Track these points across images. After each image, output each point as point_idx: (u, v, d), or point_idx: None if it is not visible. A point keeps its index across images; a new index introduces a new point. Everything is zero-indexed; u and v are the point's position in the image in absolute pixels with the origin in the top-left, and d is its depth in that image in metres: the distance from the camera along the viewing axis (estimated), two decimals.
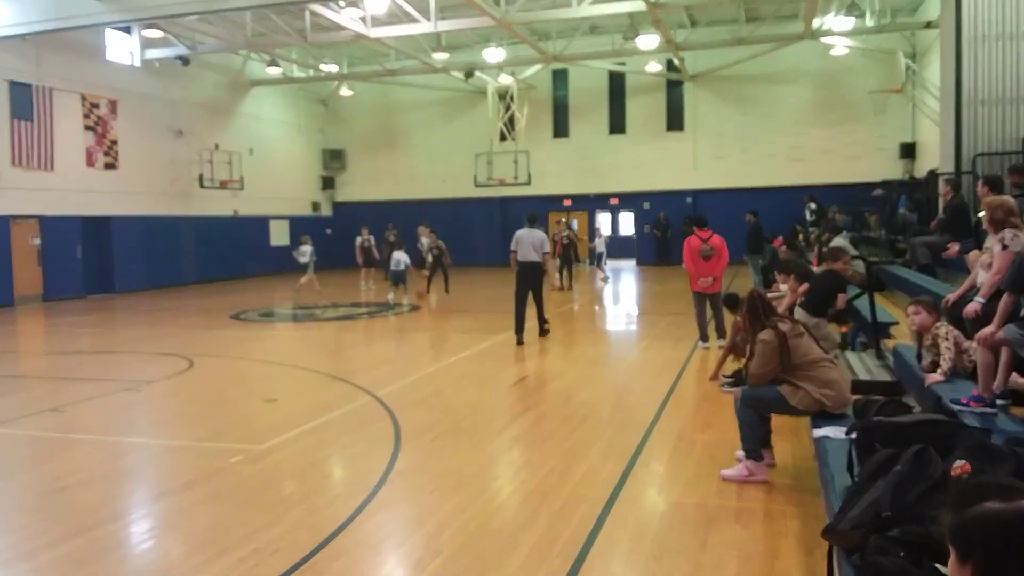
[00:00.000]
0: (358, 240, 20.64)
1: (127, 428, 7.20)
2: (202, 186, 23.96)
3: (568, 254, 20.26)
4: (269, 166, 27.63)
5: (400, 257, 16.99)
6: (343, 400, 7.86)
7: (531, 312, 11.61)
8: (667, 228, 27.75)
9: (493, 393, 8.22)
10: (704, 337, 10.21)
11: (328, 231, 30.76)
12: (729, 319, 9.55)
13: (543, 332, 12.18)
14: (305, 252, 19.74)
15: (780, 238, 16.73)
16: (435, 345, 11.92)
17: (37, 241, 19.79)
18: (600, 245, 22.52)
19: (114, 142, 21.67)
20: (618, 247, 30.86)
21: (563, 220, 28.47)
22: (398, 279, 16.83)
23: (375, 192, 30.80)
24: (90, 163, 20.94)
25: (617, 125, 28.45)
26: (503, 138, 27.86)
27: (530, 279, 11.46)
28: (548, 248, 11.49)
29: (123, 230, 22.14)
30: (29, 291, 19.50)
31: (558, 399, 7.80)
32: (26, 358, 11.38)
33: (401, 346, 11.82)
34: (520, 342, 11.30)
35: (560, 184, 28.73)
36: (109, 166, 21.53)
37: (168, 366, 10.14)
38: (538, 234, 11.50)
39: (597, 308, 15.58)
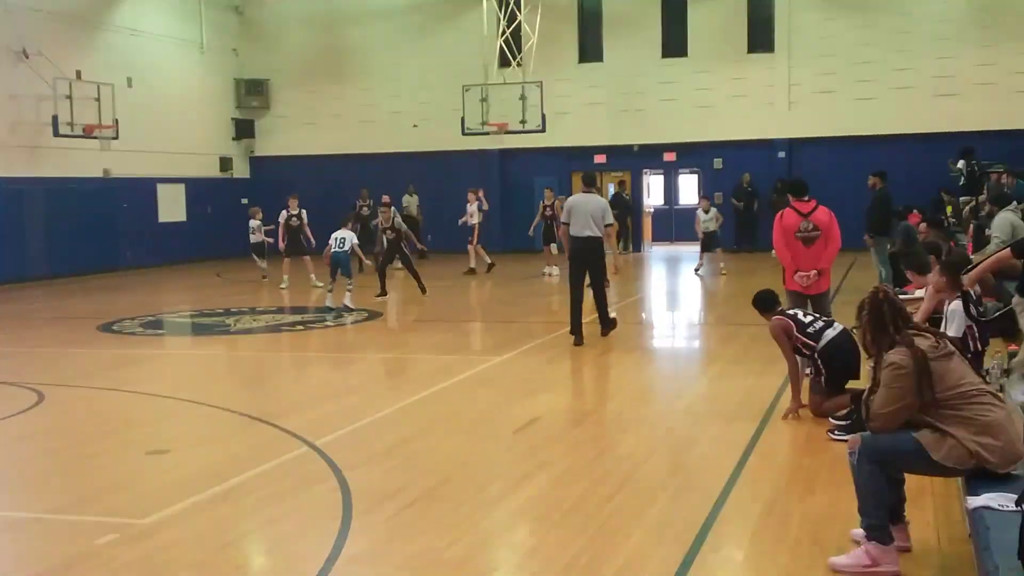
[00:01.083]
0: (283, 216, 20.72)
1: None
2: (57, 134, 24.03)
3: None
4: (156, 105, 27.70)
5: (345, 235, 16.92)
6: (266, 452, 7.85)
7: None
8: (753, 197, 27.73)
9: (489, 443, 8.19)
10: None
11: (243, 200, 30.82)
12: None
13: (607, 329, 12.87)
14: (257, 228, 21.72)
15: (918, 212, 16.71)
16: (402, 371, 11.91)
17: None
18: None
19: None
20: (673, 225, 30.89)
21: (621, 181, 28.61)
22: (338, 267, 16.73)
23: (313, 143, 30.88)
24: None
25: (674, 44, 28.45)
26: (504, 63, 27.86)
27: (587, 259, 12.27)
28: (611, 219, 12.47)
29: None
30: None
31: (586, 452, 7.77)
32: None
33: (352, 373, 11.82)
34: (578, 343, 12.31)
35: (588, 131, 28.77)
36: None
37: (10, 402, 10.13)
38: (596, 201, 12.40)
39: (644, 316, 15.58)
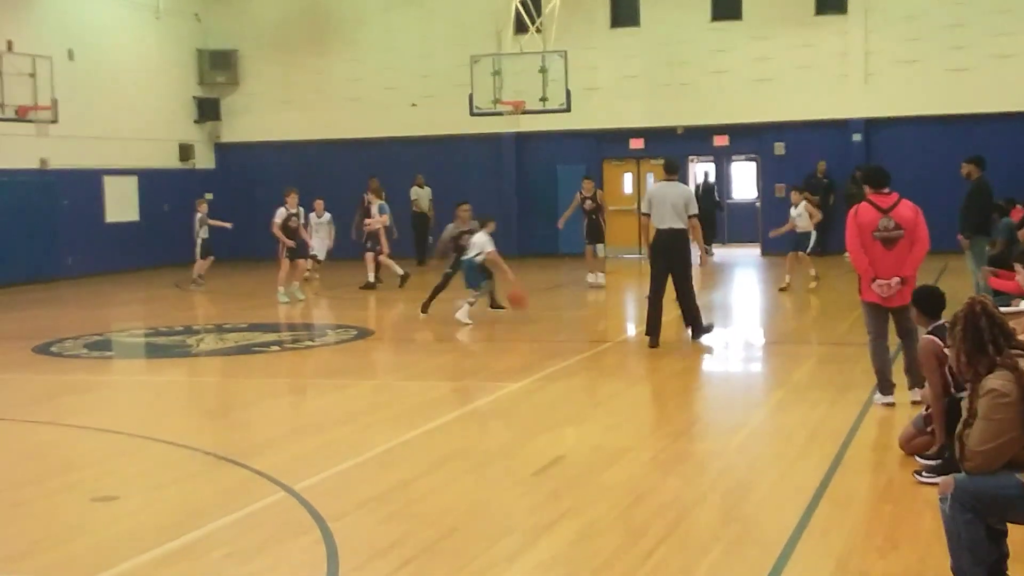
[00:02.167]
0: (280, 215, 20.66)
1: None
2: None
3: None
4: (103, 82, 27.86)
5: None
6: (235, 498, 7.85)
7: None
8: (829, 189, 27.56)
9: (503, 487, 8.19)
10: (886, 386, 10.19)
11: (208, 195, 30.92)
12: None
13: (698, 333, 13.82)
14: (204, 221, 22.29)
15: (1023, 207, 16.64)
16: (399, 400, 11.92)
17: None
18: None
19: None
20: (726, 222, 30.86)
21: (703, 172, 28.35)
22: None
23: (290, 125, 30.98)
24: None
25: (726, 5, 28.48)
26: (521, 29, 27.91)
27: (672, 254, 13.38)
28: (694, 209, 13.46)
29: None
30: None
31: (618, 497, 7.75)
32: None
33: (338, 402, 11.83)
34: (654, 344, 13.42)
35: (622, 111, 28.81)
36: None
37: None
38: (680, 190, 13.53)
39: (690, 333, 15.58)
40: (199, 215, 23.23)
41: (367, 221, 22.41)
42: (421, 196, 27.88)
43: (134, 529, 7.23)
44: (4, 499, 8.22)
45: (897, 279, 9.75)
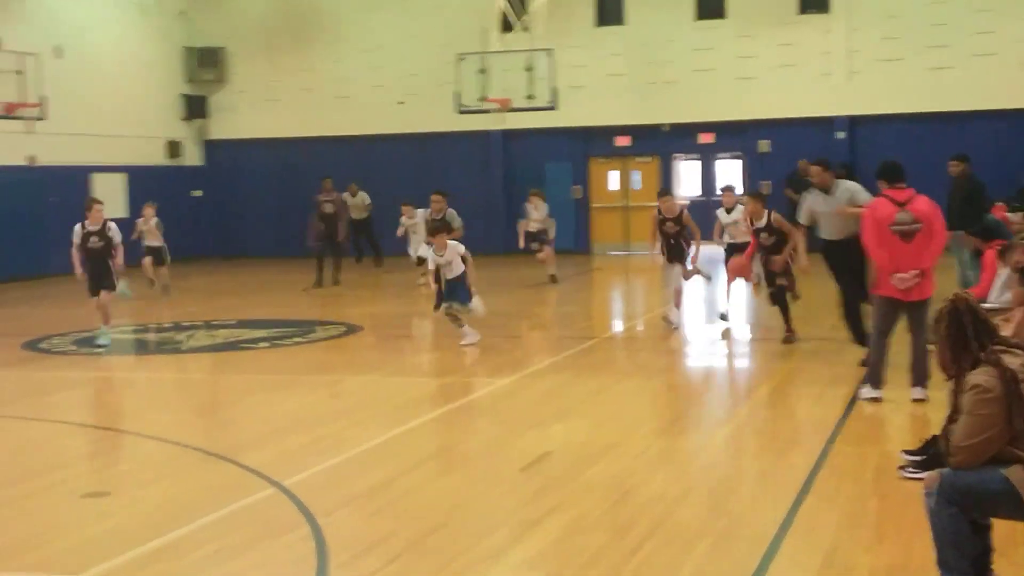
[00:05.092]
0: (76, 233, 15.69)
1: None
2: None
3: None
4: (91, 79, 27.76)
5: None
6: (224, 494, 7.85)
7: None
8: (808, 186, 27.53)
9: (489, 483, 8.20)
10: (878, 381, 10.16)
11: (197, 193, 30.91)
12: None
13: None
14: (154, 226, 21.00)
15: (1004, 204, 16.69)
16: (386, 397, 11.91)
17: None
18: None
19: None
20: (711, 220, 30.78)
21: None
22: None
23: (277, 123, 30.91)
24: None
25: (710, 3, 28.48)
26: (507, 27, 27.90)
27: (849, 263, 11.63)
28: (862, 201, 11.58)
29: None
30: None
31: (605, 493, 7.75)
32: None
33: (326, 399, 11.82)
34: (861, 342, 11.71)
35: (608, 108, 28.78)
36: None
37: None
38: (849, 189, 11.94)
39: (676, 329, 15.59)
40: (155, 220, 21.46)
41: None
42: (355, 203, 26.29)
43: (123, 525, 7.23)
44: None
45: (916, 272, 9.77)
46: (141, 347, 16.14)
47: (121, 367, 14.88)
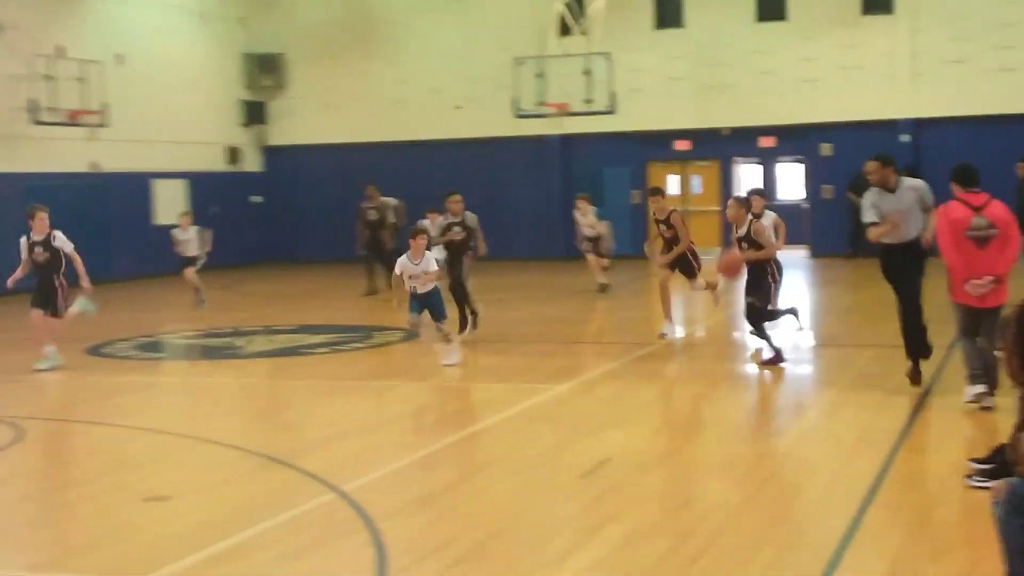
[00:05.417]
0: (23, 246, 14.54)
1: None
2: (36, 121, 24.41)
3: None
4: (151, 86, 28.05)
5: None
6: (284, 498, 7.91)
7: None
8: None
9: (549, 489, 8.19)
10: (979, 377, 9.82)
11: (257, 199, 31.13)
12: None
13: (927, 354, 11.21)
14: (192, 236, 20.55)
15: None
16: (445, 402, 11.93)
17: None
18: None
19: None
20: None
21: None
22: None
23: (334, 129, 31.11)
24: None
25: (771, 5, 28.31)
26: (565, 31, 27.90)
27: (907, 271, 10.84)
28: (931, 201, 10.94)
29: None
30: None
31: (665, 500, 7.74)
32: None
33: (385, 404, 11.87)
34: (915, 381, 10.88)
35: (667, 112, 28.69)
36: None
37: None
38: (915, 187, 11.00)
39: (739, 334, 15.49)
40: (195, 229, 20.97)
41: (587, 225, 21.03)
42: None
43: (185, 529, 7.30)
44: (58, 499, 8.36)
45: (990, 278, 9.62)
46: (201, 352, 16.28)
47: (182, 372, 15.05)
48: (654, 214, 15.13)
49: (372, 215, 22.11)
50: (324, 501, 7.81)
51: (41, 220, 14.19)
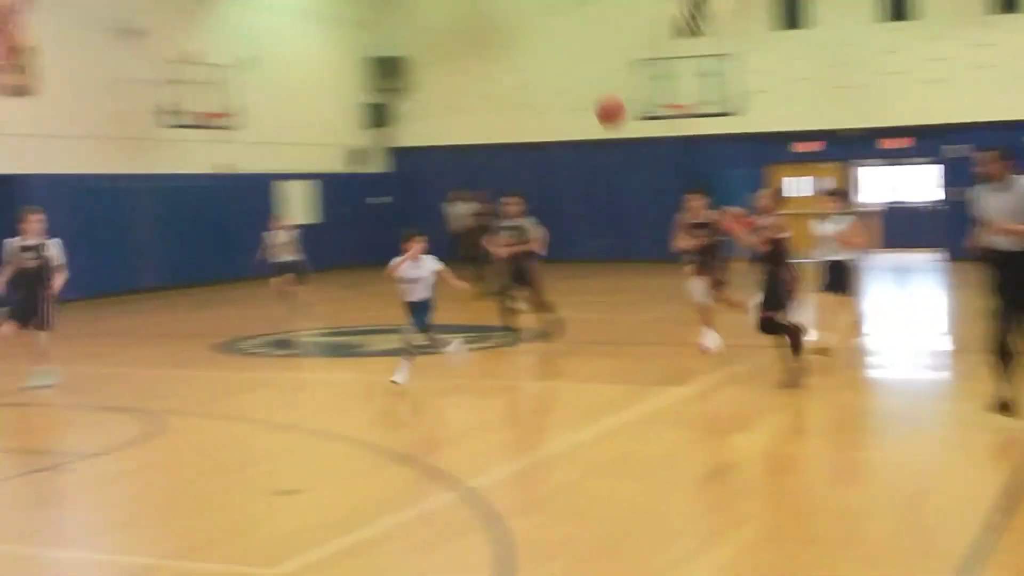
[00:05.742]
0: (11, 247, 13.09)
1: (54, 534, 7.63)
2: (170, 124, 24.98)
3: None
4: (277, 89, 28.55)
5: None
6: (410, 494, 8.05)
7: None
8: None
9: (672, 491, 8.20)
10: None
11: (383, 199, 31.32)
12: None
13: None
14: (285, 239, 19.56)
15: None
16: (565, 402, 11.98)
17: None
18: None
19: (24, 52, 22.88)
20: (903, 227, 30.06)
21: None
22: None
23: (458, 131, 31.33)
24: None
25: (899, 4, 27.79)
26: (687, 32, 27.75)
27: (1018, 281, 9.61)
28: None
29: (45, 198, 23.23)
30: None
31: (791, 506, 7.70)
32: None
33: (507, 403, 11.95)
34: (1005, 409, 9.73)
35: (790, 114, 28.32)
36: (19, 91, 22.82)
37: (119, 430, 10.67)
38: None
39: (869, 337, 15.22)
40: (289, 234, 20.03)
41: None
42: (462, 212, 25.06)
43: (312, 522, 7.44)
44: (192, 490, 8.59)
45: None
46: (328, 349, 16.56)
47: (306, 368, 15.34)
48: (688, 215, 13.78)
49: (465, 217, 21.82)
50: (448, 498, 7.90)
51: (35, 222, 12.85)
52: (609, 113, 12.39)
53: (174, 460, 9.60)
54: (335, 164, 30.88)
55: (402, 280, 12.05)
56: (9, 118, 22.49)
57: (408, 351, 12.11)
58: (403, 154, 32.32)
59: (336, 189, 30.23)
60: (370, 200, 31.25)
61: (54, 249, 12.80)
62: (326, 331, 18.14)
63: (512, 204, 15.36)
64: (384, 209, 31.21)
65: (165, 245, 25.74)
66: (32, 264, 12.62)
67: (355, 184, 31.09)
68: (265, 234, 20.28)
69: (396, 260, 11.98)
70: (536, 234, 15.16)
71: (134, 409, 11.54)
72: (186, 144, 25.82)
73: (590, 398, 11.99)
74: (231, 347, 16.17)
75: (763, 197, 12.14)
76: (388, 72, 31.85)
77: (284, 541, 7.05)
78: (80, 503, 8.37)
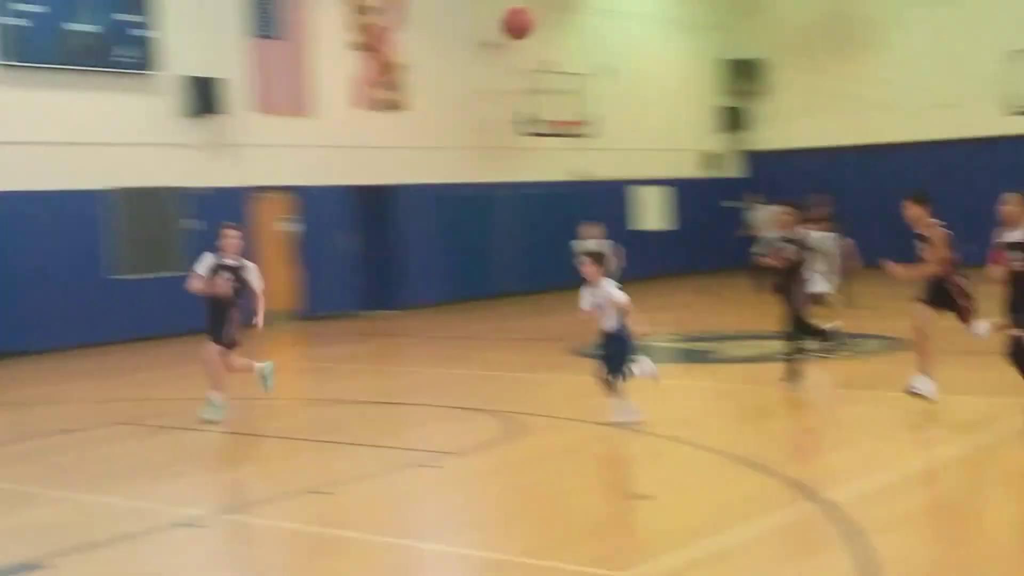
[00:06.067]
0: (207, 262, 12.14)
1: (419, 526, 8.02)
2: (527, 132, 25.72)
3: None
4: (632, 96, 28.90)
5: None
6: (764, 505, 7.92)
7: None
8: None
9: None
10: None
11: (739, 203, 30.98)
12: None
13: None
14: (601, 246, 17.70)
15: None
16: (933, 416, 11.41)
17: (290, 226, 22.67)
18: None
19: (396, 69, 24.17)
20: None
21: None
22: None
23: (817, 133, 30.63)
24: (360, 102, 23.62)
25: None
26: None
27: None
28: None
29: (413, 209, 24.57)
30: (276, 304, 20.88)
31: None
32: (271, 409, 13.11)
33: (869, 415, 11.51)
34: None
35: None
36: (391, 106, 24.11)
37: (479, 430, 11.10)
38: None
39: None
40: (601, 243, 18.92)
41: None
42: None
43: (666, 528, 7.45)
44: (549, 490, 8.77)
45: None
46: (679, 356, 16.51)
47: (661, 374, 15.32)
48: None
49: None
50: (805, 510, 7.72)
51: (233, 239, 12.01)
52: (516, 26, 10.97)
53: (532, 461, 9.83)
54: (690, 169, 30.87)
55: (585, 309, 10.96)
56: (383, 132, 23.87)
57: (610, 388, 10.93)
58: (758, 158, 31.94)
59: (688, 195, 30.17)
60: (730, 203, 31.02)
61: (253, 275, 12.01)
62: (677, 336, 18.08)
63: (784, 214, 13.41)
64: (731, 216, 30.96)
65: (523, 251, 26.55)
66: (226, 286, 11.77)
67: (710, 189, 30.92)
68: (573, 243, 20.32)
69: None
70: (814, 248, 13.89)
71: (496, 411, 11.96)
72: (543, 152, 26.52)
73: (962, 411, 11.34)
74: (584, 351, 16.40)
75: (1009, 202, 10.32)
76: (744, 75, 31.64)
77: (637, 545, 7.12)
78: (445, 499, 8.70)
